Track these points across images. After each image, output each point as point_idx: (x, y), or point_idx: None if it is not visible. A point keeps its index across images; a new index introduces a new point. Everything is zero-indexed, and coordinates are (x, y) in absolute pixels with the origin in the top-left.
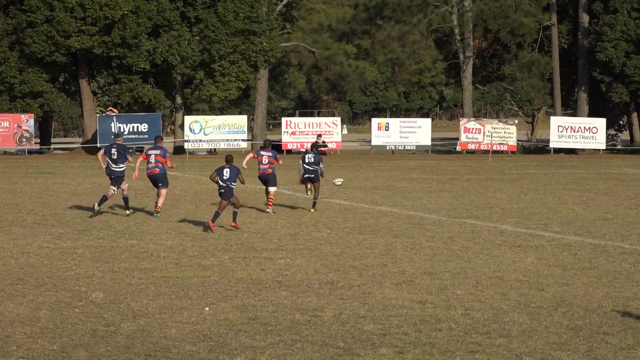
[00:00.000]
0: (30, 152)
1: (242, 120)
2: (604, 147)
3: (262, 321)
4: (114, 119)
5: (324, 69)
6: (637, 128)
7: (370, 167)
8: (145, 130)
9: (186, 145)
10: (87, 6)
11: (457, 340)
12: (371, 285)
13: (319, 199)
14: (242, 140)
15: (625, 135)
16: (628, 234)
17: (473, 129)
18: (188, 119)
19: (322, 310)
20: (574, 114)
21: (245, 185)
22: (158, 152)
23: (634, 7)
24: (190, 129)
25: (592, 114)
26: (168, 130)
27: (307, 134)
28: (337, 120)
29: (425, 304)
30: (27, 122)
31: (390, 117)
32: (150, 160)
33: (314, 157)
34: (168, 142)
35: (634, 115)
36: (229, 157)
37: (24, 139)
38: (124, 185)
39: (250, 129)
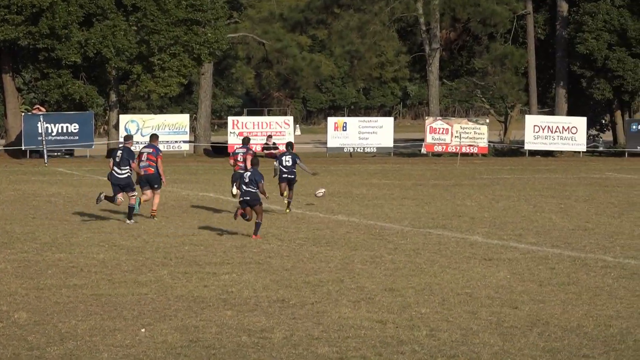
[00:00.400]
0: None
1: (183, 119)
2: (585, 149)
3: (204, 344)
4: (41, 119)
5: (275, 62)
6: (621, 128)
7: (326, 172)
8: (76, 130)
9: None
10: None
11: None
12: (326, 303)
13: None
14: (184, 142)
15: (607, 136)
16: (611, 245)
17: (440, 129)
18: (124, 119)
19: (271, 332)
20: (552, 113)
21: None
22: (150, 150)
23: None
24: (126, 130)
25: (572, 112)
26: (101, 130)
27: (256, 135)
28: (290, 119)
29: (386, 324)
30: None
31: (348, 116)
32: (142, 159)
33: (291, 159)
34: (101, 144)
35: (618, 113)
36: (255, 161)
37: None
38: (133, 194)
39: (192, 129)
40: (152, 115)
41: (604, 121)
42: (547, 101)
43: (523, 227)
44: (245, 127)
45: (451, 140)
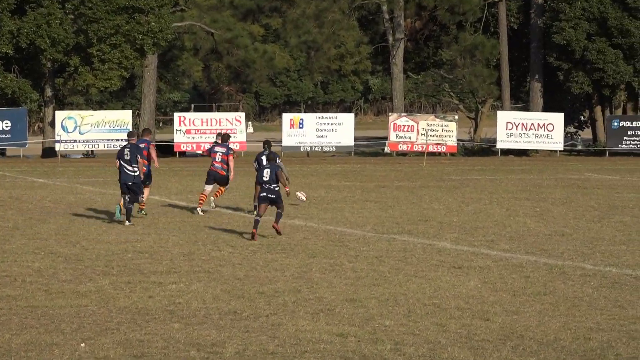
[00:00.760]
0: None
1: (125, 116)
2: (562, 148)
3: (150, 359)
4: None
5: (225, 54)
6: (601, 125)
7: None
8: (8, 128)
9: (58, 147)
10: None
11: None
12: (282, 315)
13: None
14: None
15: (586, 134)
16: (590, 252)
17: (405, 126)
18: (60, 115)
19: (222, 346)
20: (526, 108)
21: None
22: (143, 145)
23: None
24: (63, 127)
25: (548, 108)
26: (35, 128)
27: (205, 133)
28: (241, 115)
29: (348, 338)
30: None
31: (305, 112)
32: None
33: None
34: (35, 143)
35: (597, 109)
36: (272, 156)
37: None
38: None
39: (135, 126)
40: (92, 112)
41: (582, 117)
42: (520, 96)
43: (495, 233)
44: (193, 124)
45: (417, 138)
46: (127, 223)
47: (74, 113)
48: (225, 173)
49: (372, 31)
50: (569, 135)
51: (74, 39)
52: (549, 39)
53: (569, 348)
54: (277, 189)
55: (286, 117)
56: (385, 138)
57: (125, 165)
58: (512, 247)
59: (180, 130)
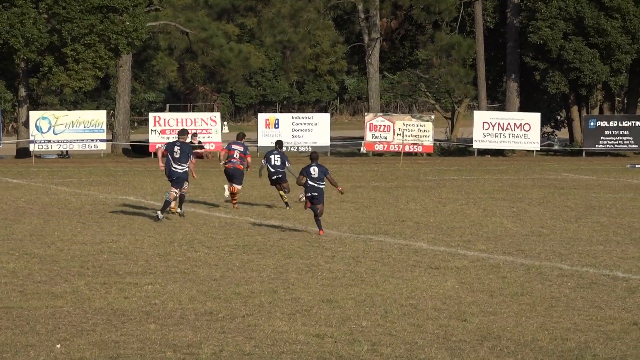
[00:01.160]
0: None
1: (100, 116)
2: (538, 148)
3: None
4: None
5: (200, 53)
6: (578, 125)
7: (256, 173)
8: None
9: (32, 147)
10: None
11: None
12: (258, 316)
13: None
14: (101, 140)
15: (563, 134)
16: (567, 252)
17: (381, 126)
18: (34, 115)
19: (198, 347)
20: (502, 108)
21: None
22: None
23: None
24: (37, 127)
25: (524, 107)
26: (9, 128)
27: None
28: (217, 116)
29: (324, 338)
30: None
31: (281, 112)
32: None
33: (280, 158)
34: (9, 143)
35: (574, 109)
36: (314, 155)
37: None
38: (185, 186)
39: (110, 127)
40: (66, 112)
41: (559, 117)
42: (497, 96)
43: (472, 233)
44: (168, 124)
45: (393, 138)
46: (160, 215)
47: (48, 113)
48: (242, 167)
49: (348, 31)
50: (545, 135)
51: (48, 39)
52: (525, 38)
53: (547, 348)
54: (322, 186)
55: (262, 117)
56: (362, 138)
57: (173, 162)
58: (489, 248)
59: (155, 130)
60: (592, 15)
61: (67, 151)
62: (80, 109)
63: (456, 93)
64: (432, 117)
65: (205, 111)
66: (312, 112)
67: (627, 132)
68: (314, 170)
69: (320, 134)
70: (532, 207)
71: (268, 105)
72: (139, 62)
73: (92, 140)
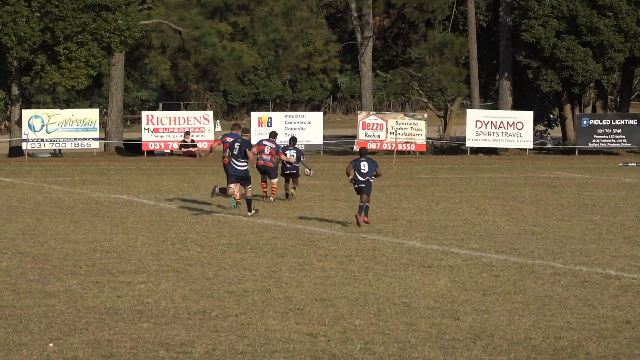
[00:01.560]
0: None
1: (93, 114)
2: (531, 147)
3: (118, 359)
4: None
5: (193, 52)
6: (571, 123)
7: (250, 172)
8: None
9: (24, 146)
10: None
11: None
12: (251, 315)
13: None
14: (94, 139)
15: (556, 132)
16: (560, 251)
17: (373, 124)
18: (27, 114)
19: (191, 346)
20: (495, 107)
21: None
22: (232, 139)
23: None
24: (30, 126)
25: (517, 106)
26: (2, 127)
27: (173, 132)
28: (209, 114)
29: (317, 337)
30: None
31: (274, 110)
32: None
33: (295, 154)
34: (2, 142)
35: (567, 107)
36: (364, 150)
37: None
38: (249, 186)
39: (103, 125)
40: (59, 110)
41: (552, 116)
42: (490, 94)
43: (465, 232)
44: (161, 122)
45: (386, 136)
46: (248, 213)
47: (41, 112)
48: (273, 165)
49: (341, 29)
50: (538, 133)
51: (41, 37)
52: (518, 37)
53: (540, 347)
54: (371, 180)
55: (254, 115)
56: (354, 137)
57: (233, 159)
58: (482, 246)
59: (148, 129)
60: (584, 14)
61: (59, 150)
62: (73, 108)
63: (449, 91)
64: (425, 115)
65: (198, 109)
66: (304, 110)
67: (619, 131)
68: (364, 166)
69: (313, 132)
70: (525, 205)
71: (261, 104)
72: (132, 60)
73: (84, 138)
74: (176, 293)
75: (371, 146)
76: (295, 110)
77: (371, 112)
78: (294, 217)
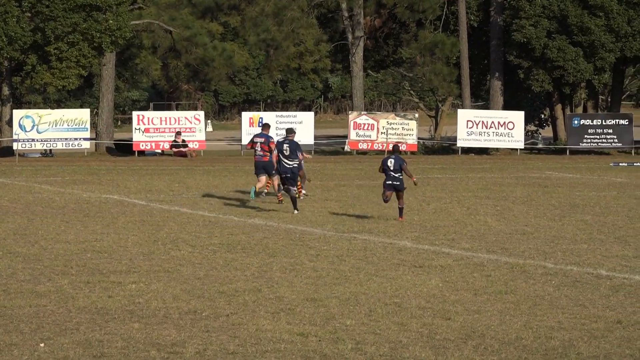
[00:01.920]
0: None
1: (84, 114)
2: (522, 146)
3: (109, 359)
4: None
5: (184, 52)
6: (562, 123)
7: (241, 171)
8: None
9: (15, 146)
10: None
11: None
12: (242, 315)
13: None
14: (84, 139)
15: (547, 132)
16: (551, 250)
17: (365, 124)
18: (17, 114)
19: (182, 346)
20: (486, 107)
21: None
22: (263, 139)
23: None
24: (21, 126)
25: (508, 106)
26: None
27: (164, 132)
28: (200, 114)
29: (308, 337)
30: None
31: (265, 110)
32: (256, 148)
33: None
34: None
35: (558, 107)
36: (396, 147)
37: None
38: (295, 186)
39: (94, 125)
40: (49, 110)
41: (543, 116)
42: (481, 94)
43: (456, 232)
44: (152, 122)
45: (377, 136)
46: (295, 212)
47: (31, 112)
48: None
49: (332, 29)
50: (529, 133)
51: (31, 37)
52: (509, 36)
53: (531, 347)
54: (401, 177)
55: (245, 115)
56: (345, 137)
57: (284, 159)
58: (473, 246)
59: (139, 129)
60: (575, 14)
61: (50, 150)
62: (63, 108)
63: (440, 91)
64: (416, 115)
65: (189, 110)
66: (296, 110)
67: (610, 131)
68: (391, 163)
69: (304, 132)
70: (516, 205)
71: (252, 104)
72: (123, 60)
73: (75, 139)
74: (167, 293)
75: (362, 146)
76: (287, 110)
77: (362, 112)
78: (285, 217)
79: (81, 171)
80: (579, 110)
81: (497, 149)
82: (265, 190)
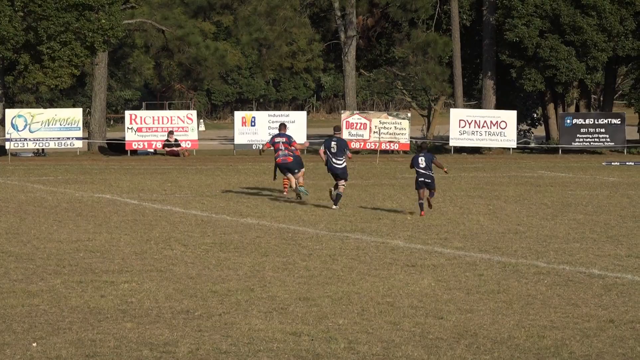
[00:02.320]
0: None
1: (76, 114)
2: (515, 146)
3: (101, 359)
4: None
5: (176, 51)
6: (554, 122)
7: (234, 171)
8: None
9: (8, 145)
10: None
11: None
12: (235, 314)
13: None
14: (77, 138)
15: (539, 131)
16: (544, 250)
17: (357, 124)
18: (10, 113)
19: (175, 345)
20: (479, 106)
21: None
22: (284, 139)
23: None
24: (13, 125)
25: (500, 105)
26: None
27: (156, 131)
28: (193, 113)
29: (301, 336)
30: None
31: (257, 109)
32: (280, 148)
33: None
34: None
35: (551, 106)
36: (424, 144)
37: None
38: (344, 183)
39: (86, 124)
40: (42, 110)
41: (535, 115)
42: (473, 93)
43: (448, 231)
44: (145, 122)
45: (369, 136)
46: (334, 207)
47: (24, 111)
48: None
49: (324, 28)
50: (522, 132)
51: (24, 37)
52: (501, 36)
53: (523, 346)
54: (432, 174)
55: (238, 115)
56: None
57: (332, 157)
58: (466, 245)
59: (132, 128)
60: (568, 13)
61: (43, 149)
62: (56, 107)
63: (432, 91)
64: (409, 114)
65: (181, 109)
66: (288, 109)
67: (603, 130)
68: (422, 160)
69: (296, 131)
70: (509, 204)
71: (244, 103)
72: (115, 59)
73: (68, 138)
74: (160, 292)
75: (355, 145)
76: (279, 109)
77: (355, 112)
78: (277, 216)
79: (74, 170)
80: (572, 109)
81: (489, 148)
82: (285, 192)
